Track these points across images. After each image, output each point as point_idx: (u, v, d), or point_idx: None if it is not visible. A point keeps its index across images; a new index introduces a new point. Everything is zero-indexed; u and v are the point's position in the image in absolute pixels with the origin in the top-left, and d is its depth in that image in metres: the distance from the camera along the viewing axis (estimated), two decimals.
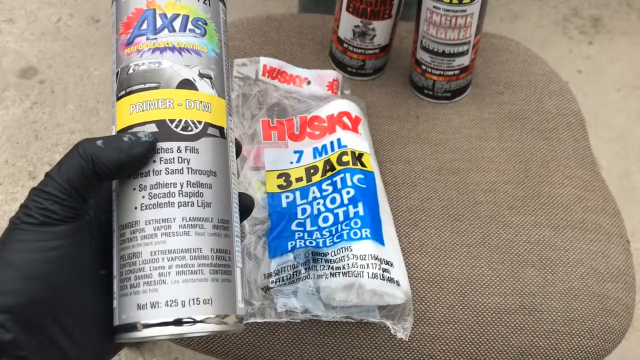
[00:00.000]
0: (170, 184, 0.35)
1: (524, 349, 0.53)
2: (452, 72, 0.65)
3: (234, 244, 0.36)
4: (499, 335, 0.53)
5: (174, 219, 0.34)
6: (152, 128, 0.35)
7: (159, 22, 0.37)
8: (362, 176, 0.55)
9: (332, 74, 0.65)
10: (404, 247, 0.56)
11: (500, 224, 0.58)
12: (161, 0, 0.37)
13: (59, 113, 1.24)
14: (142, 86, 0.36)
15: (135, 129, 0.35)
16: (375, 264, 0.50)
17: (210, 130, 0.36)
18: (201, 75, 0.37)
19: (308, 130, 0.60)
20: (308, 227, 0.54)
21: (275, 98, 0.62)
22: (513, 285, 0.55)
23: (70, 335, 0.33)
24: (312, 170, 0.57)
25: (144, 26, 0.37)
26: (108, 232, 0.36)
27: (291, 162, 0.58)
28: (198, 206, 0.35)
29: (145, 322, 0.33)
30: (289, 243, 0.53)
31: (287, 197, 0.56)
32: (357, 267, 0.49)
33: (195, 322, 0.33)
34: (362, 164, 0.56)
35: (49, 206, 0.32)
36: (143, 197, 0.35)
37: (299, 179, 0.57)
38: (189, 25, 0.37)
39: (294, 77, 0.65)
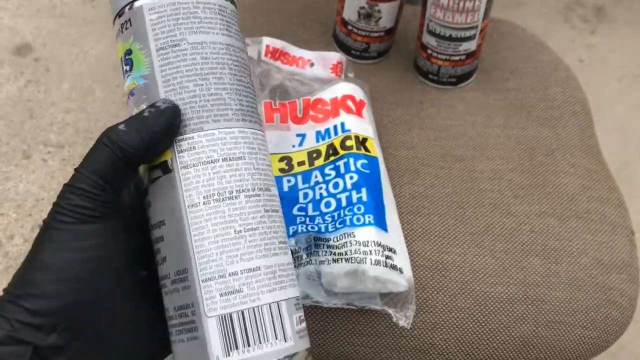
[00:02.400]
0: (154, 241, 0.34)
1: (526, 339, 0.53)
2: (458, 57, 0.64)
3: (198, 293, 0.31)
4: (502, 325, 0.53)
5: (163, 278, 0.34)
6: None
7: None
8: (365, 161, 0.54)
9: (336, 56, 0.63)
10: (407, 234, 0.55)
11: (504, 212, 0.57)
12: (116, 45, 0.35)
13: (53, 92, 1.22)
14: None
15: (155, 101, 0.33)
16: (378, 250, 0.49)
17: (152, 174, 0.33)
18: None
19: (311, 113, 0.58)
20: (310, 212, 0.53)
21: (278, 80, 0.61)
22: (516, 275, 0.54)
23: (110, 339, 0.32)
24: (314, 154, 0.56)
25: None
26: (145, 229, 0.34)
27: (293, 146, 0.57)
28: (160, 264, 0.33)
29: None
30: (290, 228, 0.52)
31: (289, 181, 0.55)
32: (360, 253, 0.48)
33: None
34: (366, 149, 0.55)
35: (81, 202, 0.30)
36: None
37: (301, 163, 0.56)
38: (124, 67, 0.34)
39: (297, 59, 0.63)
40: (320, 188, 0.54)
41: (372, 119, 0.59)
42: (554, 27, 1.35)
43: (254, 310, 0.31)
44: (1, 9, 1.33)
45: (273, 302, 0.32)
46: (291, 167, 0.56)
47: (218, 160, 0.32)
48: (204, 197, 0.32)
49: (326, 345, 0.52)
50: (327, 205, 0.53)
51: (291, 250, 0.50)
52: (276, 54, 0.63)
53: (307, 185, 0.55)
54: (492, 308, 0.53)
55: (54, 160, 1.14)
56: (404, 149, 0.61)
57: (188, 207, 0.32)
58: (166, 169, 0.32)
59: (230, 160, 0.32)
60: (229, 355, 0.30)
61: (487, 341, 0.52)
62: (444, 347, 0.52)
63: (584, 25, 1.37)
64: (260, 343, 0.31)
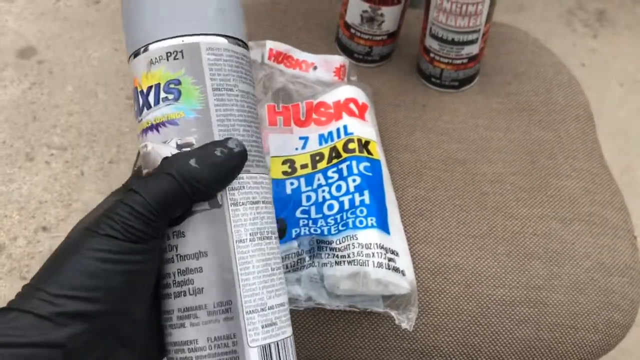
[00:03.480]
0: (167, 274, 0.34)
1: (528, 342, 0.53)
2: (460, 61, 0.64)
3: (242, 324, 0.33)
4: (504, 328, 0.53)
5: (173, 311, 0.34)
6: None
7: (140, 101, 0.35)
8: (368, 164, 0.54)
9: (339, 60, 0.64)
10: (409, 236, 0.55)
11: (507, 215, 0.58)
12: (139, 76, 0.35)
13: (57, 94, 1.23)
14: (146, 171, 0.35)
15: (223, 139, 0.33)
16: (381, 253, 0.49)
17: (195, 206, 0.33)
18: (179, 147, 0.34)
19: (314, 116, 0.59)
20: (313, 215, 0.53)
21: (281, 83, 0.61)
22: (518, 278, 0.54)
23: (132, 346, 0.33)
24: (317, 157, 0.56)
25: (135, 106, 0.35)
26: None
27: (296, 149, 0.57)
28: (190, 294, 0.33)
29: None
30: (293, 230, 0.52)
31: (292, 183, 0.55)
32: (363, 255, 0.49)
33: None
34: (369, 152, 0.55)
35: (136, 225, 0.31)
36: (160, 287, 0.34)
37: (304, 166, 0.56)
38: (162, 95, 0.34)
39: (300, 62, 0.64)
40: (323, 191, 0.54)
41: (375, 122, 0.60)
42: (556, 31, 1.36)
43: (284, 341, 0.34)
44: (6, 12, 1.34)
45: (291, 335, 0.35)
46: (294, 169, 0.56)
47: (260, 202, 0.35)
48: (250, 235, 0.34)
49: (328, 348, 0.52)
50: (330, 207, 0.53)
51: (294, 253, 0.50)
52: (279, 57, 0.63)
53: (310, 188, 0.55)
54: (494, 311, 0.53)
55: (57, 162, 1.15)
56: (406, 152, 0.61)
57: (236, 242, 0.34)
58: (215, 203, 0.33)
59: (266, 203, 0.35)
60: None
61: (489, 344, 0.53)
62: (447, 349, 0.52)
63: (586, 30, 1.37)
64: None
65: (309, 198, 0.54)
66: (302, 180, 0.55)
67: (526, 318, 0.53)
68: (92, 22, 1.33)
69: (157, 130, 0.34)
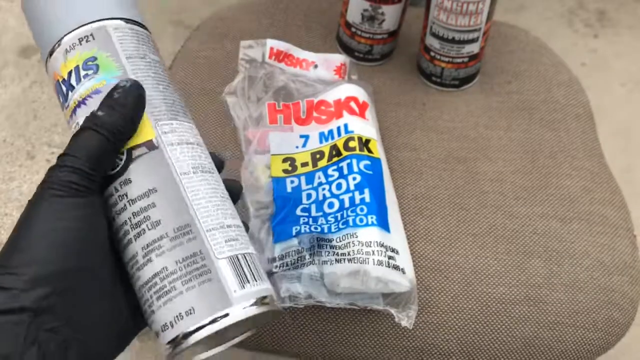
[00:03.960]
0: (122, 223, 0.36)
1: (527, 340, 0.53)
2: (461, 60, 0.64)
3: (205, 242, 0.36)
4: (503, 326, 0.53)
5: (137, 253, 0.36)
6: None
7: (64, 89, 0.38)
8: (368, 162, 0.54)
9: (339, 58, 0.64)
10: (409, 235, 0.55)
11: (507, 214, 0.58)
12: (58, 68, 0.38)
13: None
14: None
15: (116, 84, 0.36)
16: (381, 251, 0.49)
17: (135, 153, 0.37)
18: None
19: (315, 114, 0.59)
20: (313, 213, 0.53)
21: (282, 81, 0.61)
22: (518, 276, 0.54)
23: (95, 304, 0.34)
24: (318, 155, 0.56)
25: (60, 99, 0.39)
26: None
27: (297, 147, 0.58)
28: (149, 229, 0.36)
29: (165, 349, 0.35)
30: (294, 228, 0.52)
31: (292, 181, 0.55)
32: (363, 253, 0.49)
33: (189, 334, 0.34)
34: (369, 150, 0.55)
35: (72, 178, 0.33)
36: (117, 242, 0.37)
37: (304, 164, 0.56)
38: (82, 73, 0.38)
39: (301, 61, 0.64)
40: (324, 189, 0.54)
41: (375, 120, 0.60)
42: (557, 31, 1.36)
43: (250, 255, 0.37)
44: (7, 10, 1.34)
45: (255, 253, 0.39)
46: (294, 168, 0.56)
47: (194, 144, 0.39)
48: (192, 168, 0.37)
49: (328, 345, 0.52)
50: (330, 205, 0.53)
51: (294, 250, 0.50)
52: (280, 56, 0.63)
53: (310, 186, 0.55)
54: (493, 309, 0.53)
55: None
56: (406, 151, 0.61)
57: (180, 174, 0.37)
58: (152, 146, 0.37)
59: (200, 145, 0.39)
60: (243, 287, 0.35)
61: (489, 342, 0.53)
62: (446, 347, 0.53)
63: (587, 30, 1.37)
64: (260, 280, 0.37)
65: (309, 196, 0.54)
66: (303, 178, 0.55)
67: (526, 316, 0.53)
68: None
69: (85, 104, 0.37)
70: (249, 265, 0.37)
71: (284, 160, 0.56)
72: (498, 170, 0.60)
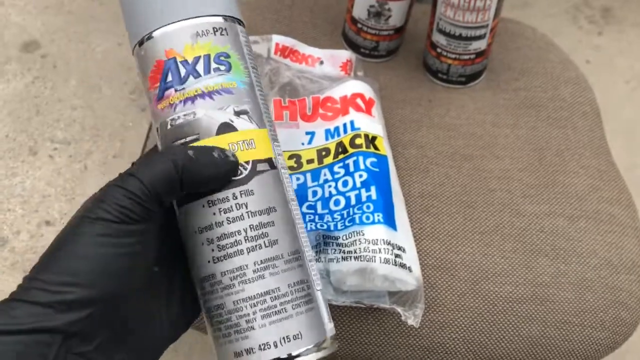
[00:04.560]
0: (235, 232, 0.35)
1: (534, 339, 0.52)
2: (467, 57, 0.64)
3: (309, 270, 0.37)
4: (510, 325, 0.52)
5: (247, 266, 0.35)
6: None
7: (183, 71, 0.36)
8: (375, 159, 0.54)
9: (345, 55, 0.63)
10: (416, 233, 0.55)
11: (514, 212, 0.57)
12: (179, 47, 0.36)
13: (60, 88, 1.23)
14: (183, 140, 0.36)
15: (222, 147, 0.35)
16: (388, 249, 0.49)
17: (259, 167, 0.36)
18: (237, 114, 0.36)
19: (320, 111, 0.58)
20: (319, 210, 0.53)
21: (287, 77, 0.61)
22: (525, 275, 0.54)
23: (133, 330, 0.33)
24: (324, 152, 0.56)
25: (169, 78, 0.36)
26: (169, 235, 0.36)
27: (302, 144, 0.57)
28: (266, 247, 0.35)
29: None
30: None
31: (298, 178, 0.55)
32: (369, 251, 0.48)
33: (292, 357, 0.34)
34: (375, 147, 0.55)
35: (129, 206, 0.32)
36: (212, 250, 0.35)
37: (310, 161, 0.56)
38: (212, 65, 0.36)
39: (307, 57, 0.63)
40: (330, 186, 0.54)
41: (382, 117, 0.59)
42: (561, 28, 1.35)
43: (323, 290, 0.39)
44: (9, 5, 1.33)
45: None
46: (300, 165, 0.56)
47: (287, 168, 0.39)
48: (292, 196, 0.38)
49: None
50: (337, 203, 0.53)
51: None
52: (286, 52, 0.63)
53: (316, 183, 0.54)
54: (500, 308, 0.53)
55: (60, 157, 1.14)
56: (413, 148, 0.61)
57: (290, 200, 0.37)
58: (272, 165, 0.37)
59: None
60: (330, 322, 0.37)
61: (495, 341, 0.52)
62: (452, 346, 0.52)
63: (591, 27, 1.37)
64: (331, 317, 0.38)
65: (315, 193, 0.54)
66: (309, 175, 0.55)
67: (532, 315, 0.53)
68: (96, 16, 1.33)
69: (211, 98, 0.36)
70: (325, 298, 0.38)
71: (290, 157, 0.56)
72: (505, 168, 0.60)
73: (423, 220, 0.56)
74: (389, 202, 0.52)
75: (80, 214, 0.32)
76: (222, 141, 0.35)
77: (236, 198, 0.35)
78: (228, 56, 0.37)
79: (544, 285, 0.54)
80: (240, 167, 0.35)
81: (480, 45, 0.63)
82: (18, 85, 1.22)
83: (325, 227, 0.51)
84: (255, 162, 0.36)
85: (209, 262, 0.35)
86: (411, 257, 0.51)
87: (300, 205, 0.53)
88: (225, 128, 0.36)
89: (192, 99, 0.36)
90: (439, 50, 0.64)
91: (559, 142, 0.62)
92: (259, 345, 0.34)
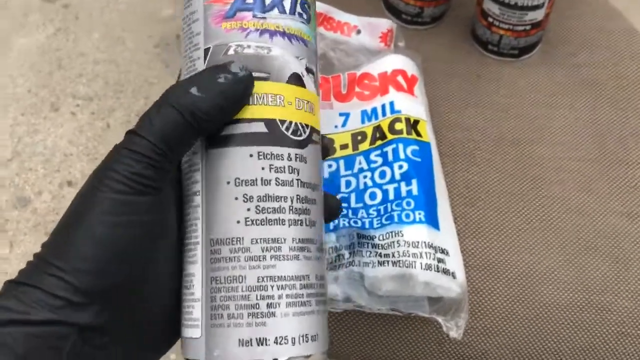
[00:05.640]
0: (281, 197, 0.30)
1: (586, 351, 0.48)
2: (522, 27, 0.57)
3: (324, 267, 0.31)
4: (561, 334, 0.48)
5: (285, 240, 0.29)
6: (261, 127, 0.30)
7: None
8: (417, 148, 0.48)
9: (385, 24, 0.57)
10: (460, 229, 0.50)
11: (568, 207, 0.52)
12: None
13: (82, 41, 1.18)
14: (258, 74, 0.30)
15: (225, 63, 0.29)
16: (430, 253, 0.44)
17: (314, 136, 0.31)
18: (307, 70, 0.31)
19: (357, 89, 0.53)
20: (353, 204, 0.48)
21: (321, 49, 0.55)
22: (579, 279, 0.49)
23: (151, 319, 0.30)
24: (359, 137, 0.50)
25: (237, 3, 0.30)
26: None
27: (335, 126, 0.52)
28: (306, 225, 0.30)
29: None
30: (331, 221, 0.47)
31: (330, 166, 0.50)
32: (409, 256, 0.43)
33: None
34: (418, 133, 0.49)
35: (141, 170, 0.27)
36: (249, 209, 0.29)
37: (343, 146, 0.51)
38: (298, 8, 0.31)
39: (342, 25, 0.57)
40: (365, 177, 0.49)
41: (425, 96, 0.53)
42: None
43: None
44: None
45: None
46: (333, 150, 0.50)
47: None
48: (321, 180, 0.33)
49: (366, 348, 0.48)
50: (372, 196, 0.48)
51: (332, 248, 0.46)
52: (319, 19, 0.57)
53: (349, 172, 0.49)
54: (550, 315, 0.48)
55: (82, 113, 1.10)
56: (458, 130, 0.55)
57: (322, 182, 0.33)
58: (319, 139, 0.32)
59: None
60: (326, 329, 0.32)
61: (544, 351, 0.48)
62: (496, 355, 0.48)
63: None
64: None
65: (348, 184, 0.49)
66: (342, 162, 0.50)
67: (586, 324, 0.48)
68: None
69: (290, 41, 0.31)
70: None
71: None
72: (560, 156, 0.54)
73: (468, 214, 0.51)
74: (432, 198, 0.47)
75: (92, 184, 0.28)
76: (291, 92, 0.30)
77: (291, 159, 0.30)
78: (309, 6, 0.32)
79: (601, 291, 0.49)
80: (300, 128, 0.31)
81: (537, 15, 0.56)
82: (40, 37, 1.18)
83: (359, 224, 0.46)
84: (312, 129, 0.31)
85: (238, 222, 0.29)
86: (455, 261, 0.46)
87: None
88: (296, 80, 0.31)
89: (272, 33, 0.31)
90: (490, 19, 0.57)
91: (620, 127, 0.56)
92: (276, 338, 0.28)
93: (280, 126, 0.30)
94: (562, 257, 0.50)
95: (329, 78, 0.53)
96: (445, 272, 0.44)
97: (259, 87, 0.30)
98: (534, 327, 0.48)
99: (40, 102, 1.11)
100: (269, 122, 0.30)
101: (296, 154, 0.30)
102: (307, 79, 0.31)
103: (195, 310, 0.30)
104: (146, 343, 0.30)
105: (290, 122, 0.30)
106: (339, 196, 0.48)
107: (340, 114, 0.52)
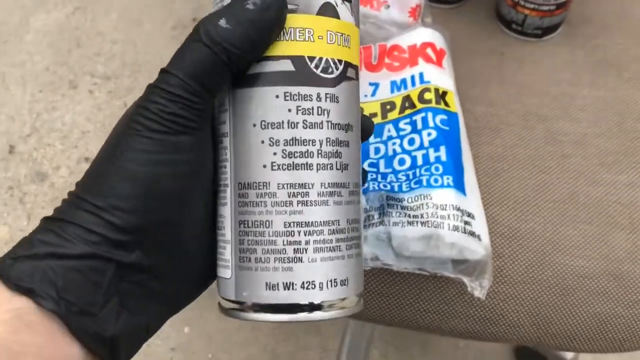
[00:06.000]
0: (309, 140, 0.29)
1: (603, 317, 0.49)
2: (547, 7, 0.58)
3: (361, 211, 0.31)
4: (579, 300, 0.49)
5: (312, 185, 0.29)
6: (287, 66, 0.28)
7: None
8: (445, 117, 0.50)
9: None
10: (484, 198, 0.51)
11: (589, 180, 0.53)
12: None
13: (101, 20, 1.19)
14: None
15: None
16: (457, 215, 0.45)
17: (349, 72, 0.30)
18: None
19: (387, 60, 0.54)
20: (382, 169, 0.49)
21: None
22: (599, 249, 0.50)
23: (189, 257, 0.30)
24: (388, 106, 0.52)
25: None
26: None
27: (365, 95, 0.53)
28: (337, 169, 0.29)
29: (277, 303, 0.28)
30: None
31: None
32: (437, 217, 0.45)
33: (331, 306, 0.29)
34: (446, 104, 0.51)
35: (176, 110, 0.27)
36: (275, 153, 0.28)
37: (373, 115, 0.52)
38: None
39: None
40: (394, 144, 0.50)
41: (452, 70, 0.55)
42: None
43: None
44: None
45: None
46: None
47: None
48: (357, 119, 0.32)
49: (391, 310, 0.49)
50: (401, 162, 0.49)
51: (363, 209, 0.47)
52: None
53: (378, 140, 0.51)
54: (570, 282, 0.49)
55: (100, 92, 1.12)
56: (482, 105, 0.57)
57: (358, 119, 0.32)
58: (357, 74, 0.30)
59: None
60: (363, 276, 0.32)
61: (561, 316, 0.49)
62: (516, 319, 0.49)
63: None
64: None
65: (377, 150, 0.50)
66: None
67: (604, 292, 0.49)
68: None
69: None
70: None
71: None
72: (581, 132, 0.56)
73: (492, 184, 0.52)
74: (459, 165, 0.48)
75: (126, 122, 0.27)
76: (321, 25, 0.28)
77: (320, 100, 0.29)
78: None
79: (619, 260, 0.50)
80: (332, 64, 0.29)
81: None
82: (59, 15, 1.19)
83: (388, 187, 0.48)
84: (347, 65, 0.29)
85: (264, 166, 0.28)
86: (480, 224, 0.47)
87: (361, 162, 0.50)
88: (328, 10, 0.29)
89: None
90: None
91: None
92: (302, 282, 0.28)
93: (309, 63, 0.28)
94: (583, 227, 0.51)
95: (360, 49, 0.55)
96: (472, 234, 0.45)
97: (287, 21, 0.28)
98: (553, 293, 0.49)
99: (59, 80, 1.13)
100: (297, 60, 0.28)
101: (327, 94, 0.29)
102: (342, 8, 0.29)
103: (226, 251, 0.30)
104: (183, 281, 0.30)
105: (321, 59, 0.29)
106: (367, 162, 0.50)
107: (370, 84, 0.53)
